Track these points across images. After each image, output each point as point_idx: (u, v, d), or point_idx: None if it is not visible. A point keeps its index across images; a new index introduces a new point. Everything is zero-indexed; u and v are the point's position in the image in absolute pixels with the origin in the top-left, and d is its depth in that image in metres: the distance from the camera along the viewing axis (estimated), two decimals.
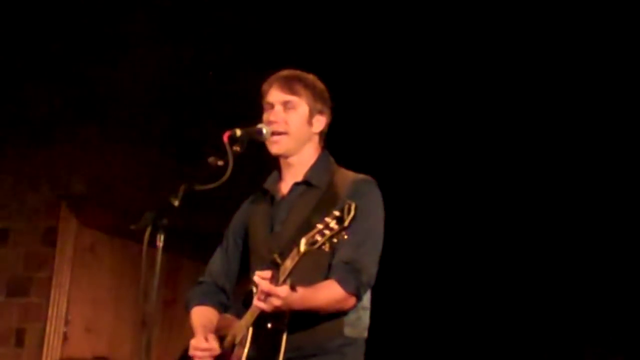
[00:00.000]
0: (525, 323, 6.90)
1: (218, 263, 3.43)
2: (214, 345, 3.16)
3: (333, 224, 2.79)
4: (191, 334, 3.29)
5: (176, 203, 2.94)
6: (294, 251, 2.87)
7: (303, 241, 2.84)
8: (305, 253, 2.84)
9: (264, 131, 3.21)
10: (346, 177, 3.24)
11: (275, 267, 2.97)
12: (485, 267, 6.96)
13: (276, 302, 2.89)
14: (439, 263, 7.10)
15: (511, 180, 6.91)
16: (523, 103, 6.69)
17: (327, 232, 2.80)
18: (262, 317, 3.00)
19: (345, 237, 2.82)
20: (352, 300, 3.09)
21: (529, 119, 6.74)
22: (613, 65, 6.28)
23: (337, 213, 2.79)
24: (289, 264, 2.89)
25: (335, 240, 2.81)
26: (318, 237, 2.81)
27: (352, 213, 2.78)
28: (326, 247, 2.83)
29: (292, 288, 2.88)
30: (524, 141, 6.84)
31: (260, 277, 2.91)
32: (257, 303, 2.93)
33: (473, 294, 7.02)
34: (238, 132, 3.12)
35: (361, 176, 3.25)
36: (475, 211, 7.05)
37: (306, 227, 2.87)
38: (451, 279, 7.08)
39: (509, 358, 6.85)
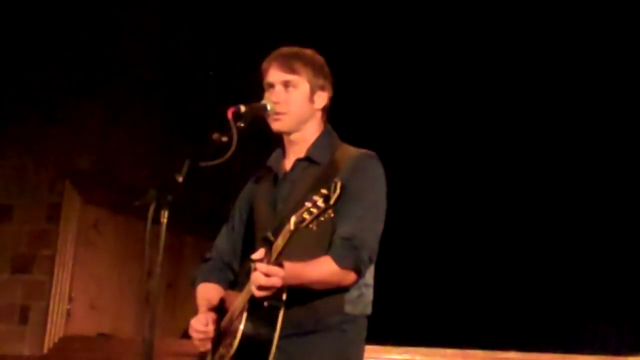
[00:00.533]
0: (526, 299, 6.91)
1: (224, 240, 3.42)
2: (209, 329, 3.16)
3: (320, 202, 2.77)
4: (195, 311, 3.30)
5: (180, 179, 2.93)
6: (285, 229, 2.86)
7: (292, 220, 2.82)
8: (294, 231, 2.83)
9: (269, 107, 3.18)
10: (348, 152, 3.21)
11: (268, 245, 2.95)
12: (488, 243, 6.97)
13: (278, 282, 2.88)
14: (444, 240, 7.11)
15: (512, 158, 6.91)
16: (527, 91, 6.69)
17: (314, 210, 2.78)
18: None
19: (332, 215, 2.82)
20: (350, 276, 3.06)
21: (533, 102, 6.75)
22: (613, 65, 6.28)
23: (324, 191, 2.78)
24: (280, 242, 2.88)
25: (322, 219, 2.80)
26: (306, 216, 2.79)
27: (338, 192, 2.77)
28: (313, 226, 2.81)
29: (280, 265, 2.87)
30: (523, 116, 6.84)
31: (255, 259, 2.90)
32: (257, 293, 2.91)
33: (477, 270, 7.03)
34: (242, 108, 3.09)
35: (363, 151, 3.22)
36: (480, 188, 7.05)
37: (304, 204, 2.85)
38: (456, 256, 7.09)
39: (511, 335, 6.86)
